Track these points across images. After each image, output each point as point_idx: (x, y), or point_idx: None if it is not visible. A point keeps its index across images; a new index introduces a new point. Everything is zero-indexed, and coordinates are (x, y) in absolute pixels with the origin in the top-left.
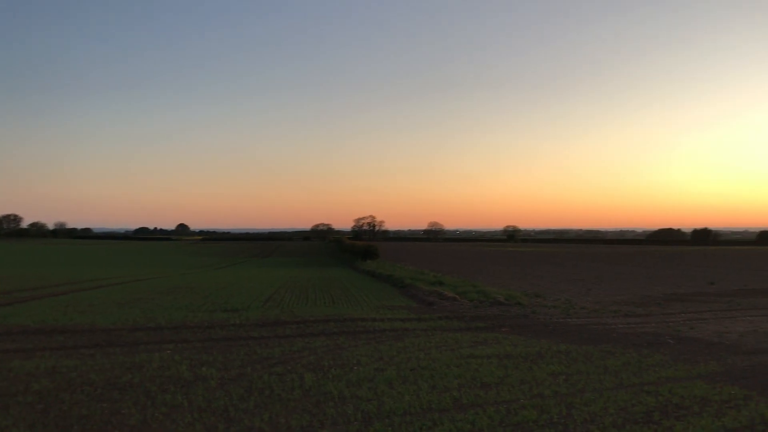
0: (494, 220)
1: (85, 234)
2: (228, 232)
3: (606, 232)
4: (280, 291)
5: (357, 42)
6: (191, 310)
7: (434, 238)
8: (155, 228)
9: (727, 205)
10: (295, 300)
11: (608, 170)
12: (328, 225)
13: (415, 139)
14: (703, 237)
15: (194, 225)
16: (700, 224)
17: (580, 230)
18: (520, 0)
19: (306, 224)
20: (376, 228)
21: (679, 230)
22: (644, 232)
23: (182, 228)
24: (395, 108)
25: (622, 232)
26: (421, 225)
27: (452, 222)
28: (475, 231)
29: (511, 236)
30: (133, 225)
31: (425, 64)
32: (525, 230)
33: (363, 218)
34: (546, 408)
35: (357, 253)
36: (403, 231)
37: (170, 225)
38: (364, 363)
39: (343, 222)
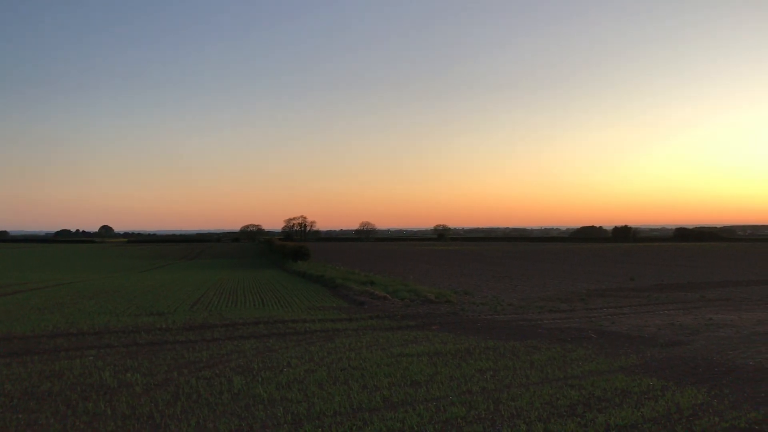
0: (425, 219)
1: (2, 237)
2: (154, 234)
3: (532, 230)
4: (209, 293)
5: (285, 42)
6: (115, 314)
7: (366, 237)
8: (77, 230)
9: (646, 203)
10: (224, 302)
11: (534, 170)
12: (257, 226)
13: (346, 140)
14: (624, 234)
15: (118, 227)
16: (620, 222)
17: (507, 228)
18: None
19: (235, 225)
20: (308, 228)
21: (600, 228)
22: (568, 229)
23: (106, 230)
24: (325, 108)
25: (546, 230)
26: (353, 225)
27: (384, 222)
28: (406, 230)
29: (442, 235)
30: (53, 227)
31: (352, 64)
32: (455, 229)
33: (294, 218)
34: (474, 404)
35: (288, 254)
36: (334, 231)
37: (93, 227)
38: (295, 365)
39: (274, 223)
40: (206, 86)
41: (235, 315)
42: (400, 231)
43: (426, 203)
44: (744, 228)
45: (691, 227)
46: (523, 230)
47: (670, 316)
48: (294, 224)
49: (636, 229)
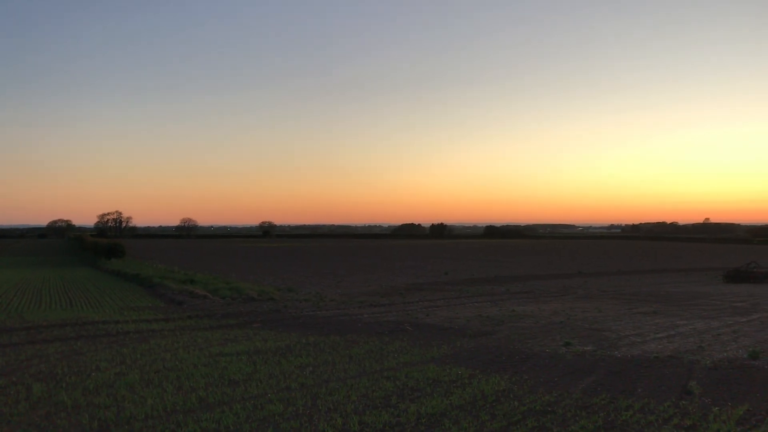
0: (250, 216)
1: None
2: None
3: (356, 227)
4: (8, 294)
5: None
6: None
7: (187, 234)
8: None
9: (460, 202)
10: (26, 304)
11: (358, 168)
12: (67, 221)
13: (164, 131)
14: (440, 231)
15: None
16: (437, 219)
17: (333, 225)
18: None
19: (42, 220)
20: (124, 224)
21: (419, 225)
22: (390, 226)
23: None
24: (141, 96)
25: (370, 227)
26: (173, 221)
27: (206, 218)
28: (230, 227)
29: (267, 232)
30: None
31: (162, 53)
32: (281, 226)
33: (108, 214)
34: (292, 400)
35: (101, 251)
36: (153, 227)
37: None
38: (104, 368)
39: (86, 218)
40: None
41: (39, 317)
42: (223, 228)
43: (251, 200)
44: (545, 226)
45: (499, 225)
46: (348, 227)
47: (479, 308)
48: (108, 220)
49: (451, 226)
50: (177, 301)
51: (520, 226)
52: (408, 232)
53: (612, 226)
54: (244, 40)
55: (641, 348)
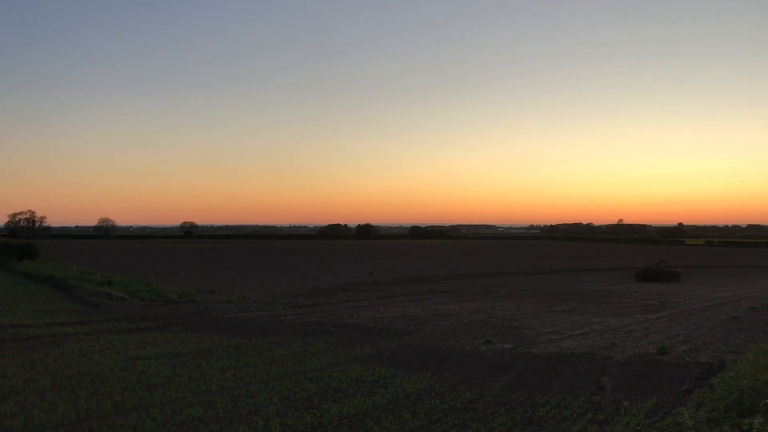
0: (171, 216)
1: None
2: None
3: (281, 228)
4: None
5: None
6: None
7: (105, 235)
8: None
9: (387, 203)
10: None
11: (284, 168)
12: None
13: (83, 129)
14: (366, 232)
15: None
16: (363, 220)
17: (257, 226)
18: None
19: None
20: (37, 224)
21: (345, 226)
22: (316, 227)
23: None
24: (54, 91)
25: (295, 228)
26: (91, 221)
27: (126, 218)
28: (150, 227)
29: (189, 233)
30: None
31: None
32: (203, 226)
33: (20, 213)
34: (212, 404)
35: (11, 252)
36: (69, 228)
37: None
38: (12, 375)
39: None
40: None
41: None
42: (143, 228)
43: (172, 199)
44: (468, 227)
45: (423, 226)
46: (273, 228)
47: (403, 308)
48: (20, 219)
49: (377, 227)
50: (93, 304)
51: (444, 226)
52: (334, 232)
53: (531, 227)
54: (175, 38)
55: (558, 345)
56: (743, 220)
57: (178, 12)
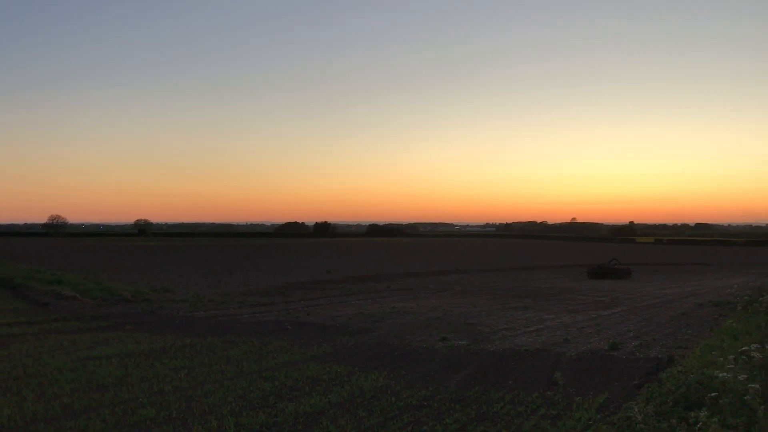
0: (124, 214)
1: None
2: None
3: (237, 226)
4: None
5: None
6: None
7: (56, 232)
8: None
9: (345, 201)
10: None
11: (240, 166)
12: None
13: (32, 123)
14: (323, 230)
15: None
16: (321, 218)
17: (213, 224)
18: None
19: None
20: None
21: (303, 223)
22: (273, 225)
23: None
24: (10, 84)
25: (252, 226)
26: (41, 218)
27: (78, 215)
28: (103, 225)
29: (143, 230)
30: None
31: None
32: (157, 224)
33: None
34: (166, 404)
35: None
36: (17, 224)
37: None
38: None
39: None
40: None
41: None
42: (96, 225)
43: (126, 197)
44: (425, 225)
45: (381, 224)
46: (229, 225)
47: (360, 306)
48: None
49: (334, 225)
50: (42, 303)
51: (401, 224)
52: (291, 230)
53: (487, 225)
54: (126, 32)
55: (513, 341)
56: (691, 219)
57: (123, 5)
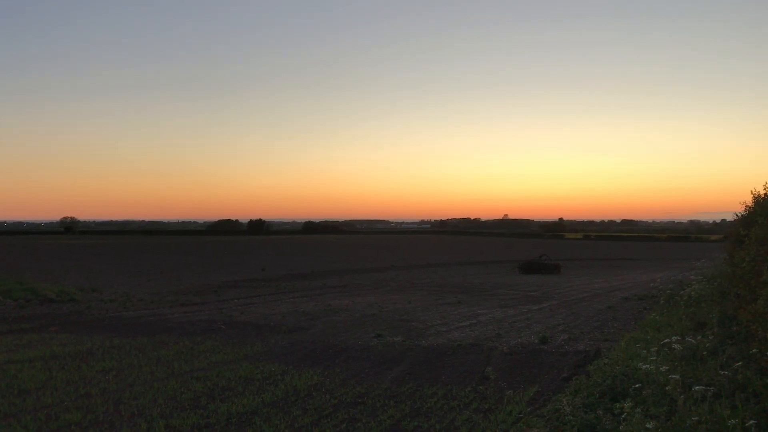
0: (50, 211)
1: None
2: None
3: (169, 223)
4: None
5: None
6: None
7: None
8: None
9: (280, 198)
10: None
11: (171, 162)
12: None
13: None
14: (258, 227)
15: None
16: (255, 215)
17: (144, 221)
18: None
19: None
20: None
21: (237, 221)
22: (205, 223)
23: None
24: None
25: (184, 223)
26: None
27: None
28: (27, 222)
29: (69, 228)
30: None
31: None
32: (85, 221)
33: None
34: (92, 407)
35: None
36: None
37: None
38: None
39: None
40: None
41: None
42: (19, 223)
43: (51, 193)
44: (361, 222)
45: (317, 221)
46: (160, 223)
47: (295, 304)
48: None
49: (269, 222)
50: None
51: (338, 221)
52: (225, 228)
53: (423, 222)
54: (60, 28)
55: (446, 337)
56: (618, 216)
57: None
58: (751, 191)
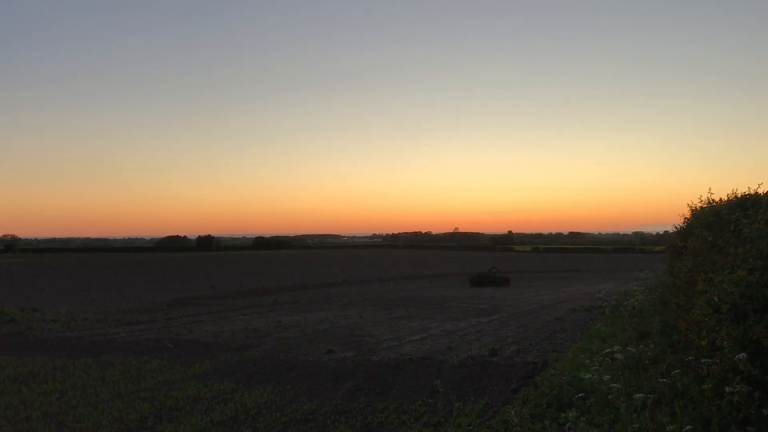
0: None
1: None
2: None
3: (114, 240)
4: None
5: None
6: None
7: None
8: None
9: (229, 213)
10: None
11: (117, 178)
12: None
13: None
14: (207, 243)
15: None
16: (204, 231)
17: (88, 238)
18: None
19: None
20: None
21: (185, 237)
22: (152, 239)
23: None
24: None
25: (130, 240)
26: None
27: None
28: None
29: (9, 246)
30: None
31: None
32: (26, 239)
33: None
34: (33, 431)
35: None
36: None
37: None
38: None
39: None
40: None
41: None
42: None
43: None
44: (313, 237)
45: (268, 236)
46: (105, 240)
47: (245, 321)
48: None
49: (219, 238)
50: None
51: (289, 236)
52: (173, 244)
53: (374, 236)
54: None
55: (398, 351)
56: (565, 228)
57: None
58: (688, 204)
